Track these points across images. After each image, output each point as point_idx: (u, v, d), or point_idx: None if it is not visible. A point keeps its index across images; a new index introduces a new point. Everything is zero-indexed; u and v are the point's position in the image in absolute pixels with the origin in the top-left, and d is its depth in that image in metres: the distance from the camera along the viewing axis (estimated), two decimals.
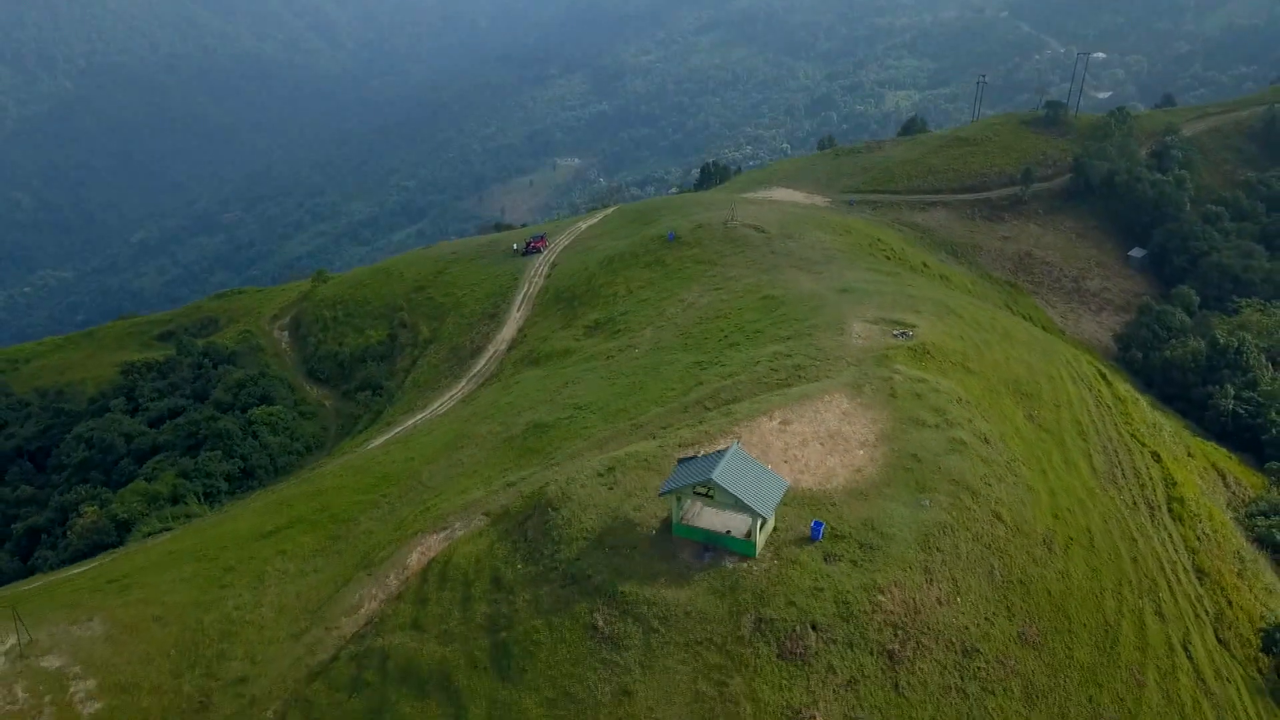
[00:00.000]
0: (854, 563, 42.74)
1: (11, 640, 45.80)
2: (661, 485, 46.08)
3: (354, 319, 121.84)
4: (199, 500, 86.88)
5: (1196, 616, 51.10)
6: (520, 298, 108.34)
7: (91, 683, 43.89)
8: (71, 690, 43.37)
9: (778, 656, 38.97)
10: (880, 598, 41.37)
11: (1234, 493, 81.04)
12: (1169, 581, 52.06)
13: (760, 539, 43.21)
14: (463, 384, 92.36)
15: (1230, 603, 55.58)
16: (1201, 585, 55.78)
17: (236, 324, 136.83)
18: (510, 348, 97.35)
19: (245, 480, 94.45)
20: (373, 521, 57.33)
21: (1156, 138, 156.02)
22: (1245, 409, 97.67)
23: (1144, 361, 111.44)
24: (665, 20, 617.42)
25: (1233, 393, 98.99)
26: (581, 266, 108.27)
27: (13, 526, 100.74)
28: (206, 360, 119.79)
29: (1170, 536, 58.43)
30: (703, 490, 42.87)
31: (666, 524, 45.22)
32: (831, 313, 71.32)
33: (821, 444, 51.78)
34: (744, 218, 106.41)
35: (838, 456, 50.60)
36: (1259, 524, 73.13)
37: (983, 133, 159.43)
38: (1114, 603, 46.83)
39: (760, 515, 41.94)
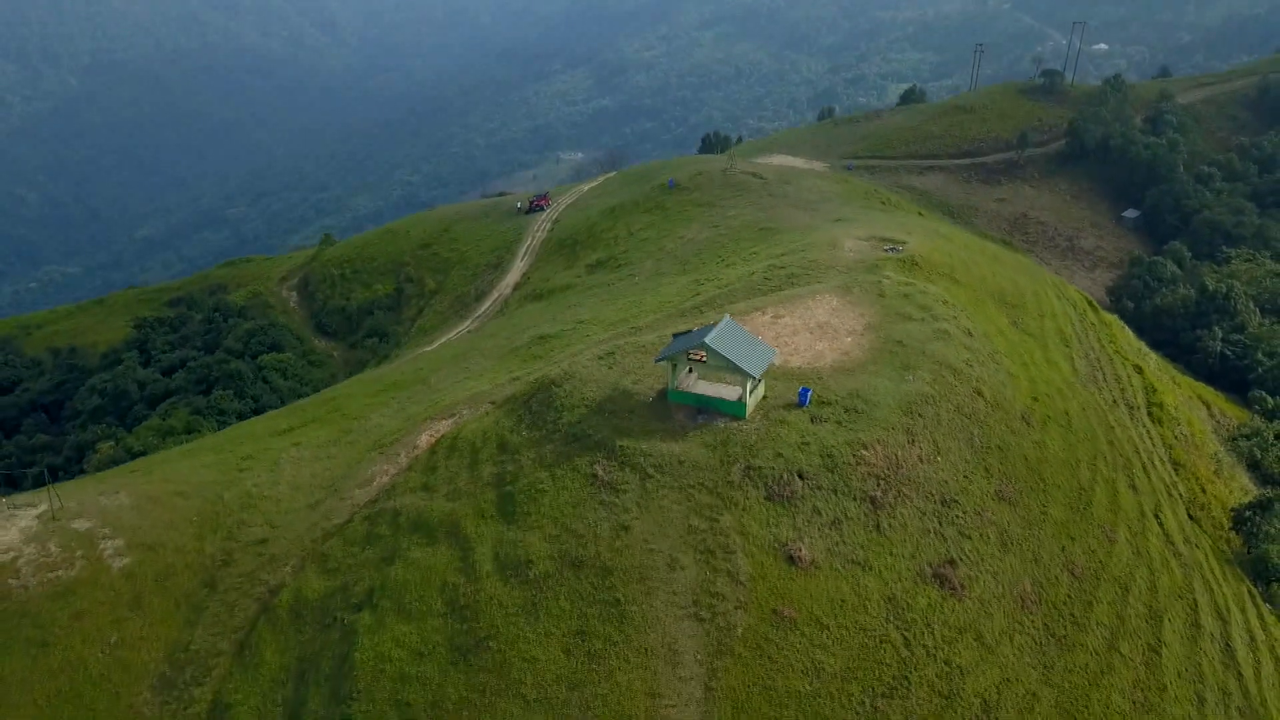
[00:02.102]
0: (839, 423, 45.18)
1: (44, 506, 48.39)
2: (657, 355, 48.58)
3: (361, 275, 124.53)
4: (214, 432, 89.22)
5: (1169, 495, 53.44)
6: (524, 249, 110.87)
7: (120, 541, 46.45)
8: (101, 547, 45.91)
9: (766, 498, 41.41)
10: (864, 453, 43.77)
11: (1219, 423, 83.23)
12: (1144, 464, 54.36)
13: (750, 402, 45.66)
14: (468, 322, 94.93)
15: (1204, 490, 57.97)
16: (1177, 474, 58.18)
17: (245, 288, 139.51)
18: (514, 291, 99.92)
19: None
20: (383, 417, 59.86)
21: (1151, 105, 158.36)
22: (1232, 350, 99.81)
23: (1135, 310, 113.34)
24: (668, 16, 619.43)
25: (1220, 335, 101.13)
26: (584, 218, 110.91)
27: (28, 470, 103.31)
28: (217, 315, 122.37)
29: (1148, 432, 60.81)
30: (696, 356, 45.37)
31: (662, 394, 47.70)
32: (825, 234, 73.83)
33: (810, 333, 54.28)
34: (743, 167, 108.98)
35: (826, 342, 53.06)
36: (1241, 445, 75.59)
37: (980, 100, 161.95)
38: (1088, 473, 49.16)
39: (750, 376, 44.38)
